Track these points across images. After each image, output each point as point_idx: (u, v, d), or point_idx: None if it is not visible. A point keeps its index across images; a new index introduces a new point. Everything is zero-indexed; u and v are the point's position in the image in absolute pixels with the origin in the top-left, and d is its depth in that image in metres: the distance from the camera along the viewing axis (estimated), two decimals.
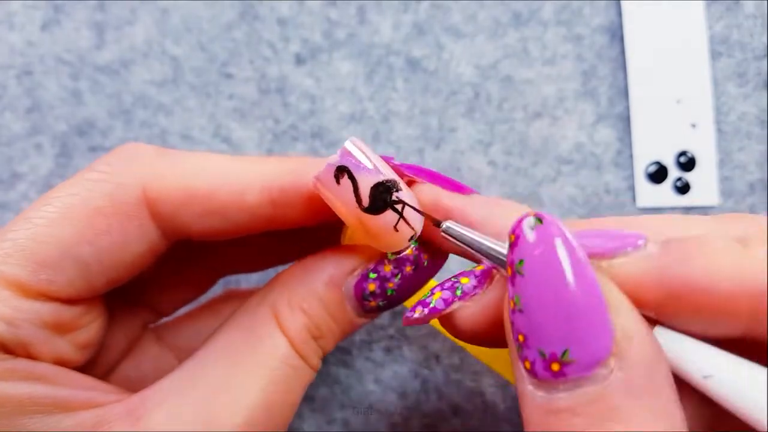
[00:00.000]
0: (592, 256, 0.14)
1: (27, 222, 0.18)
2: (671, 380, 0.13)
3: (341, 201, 0.18)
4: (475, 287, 0.17)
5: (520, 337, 0.14)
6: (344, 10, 0.28)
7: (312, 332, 0.19)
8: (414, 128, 0.28)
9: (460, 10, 0.28)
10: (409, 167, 0.19)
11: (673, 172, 0.28)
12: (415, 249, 0.20)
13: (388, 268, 0.19)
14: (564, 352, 0.13)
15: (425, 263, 0.20)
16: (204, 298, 0.26)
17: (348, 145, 0.18)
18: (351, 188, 0.17)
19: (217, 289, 0.26)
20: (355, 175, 0.17)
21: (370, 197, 0.17)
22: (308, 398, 0.28)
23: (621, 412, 0.13)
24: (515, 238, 0.14)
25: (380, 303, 0.20)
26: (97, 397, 0.18)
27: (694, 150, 0.28)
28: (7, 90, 0.29)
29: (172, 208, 0.19)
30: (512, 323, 0.14)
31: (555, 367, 0.13)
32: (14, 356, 0.17)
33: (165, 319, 0.25)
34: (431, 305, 0.18)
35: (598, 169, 0.28)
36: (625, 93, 0.28)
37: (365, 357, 0.28)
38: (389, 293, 0.20)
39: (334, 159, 0.17)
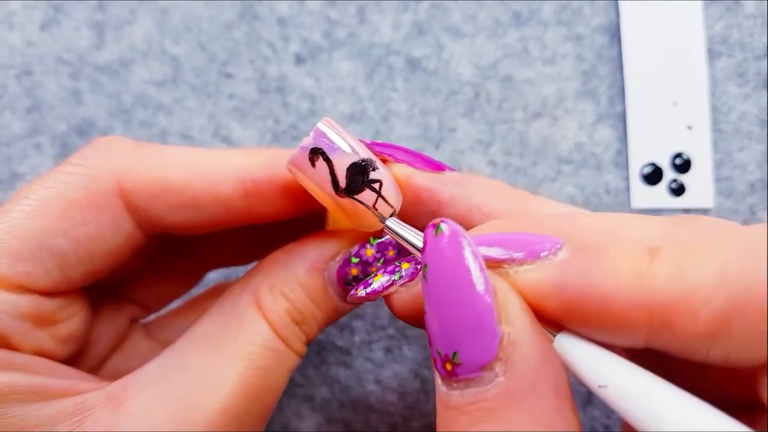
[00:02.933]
0: (500, 262, 0.15)
1: (4, 216, 0.18)
2: (561, 386, 0.14)
3: (317, 184, 0.18)
4: (411, 274, 0.18)
5: (428, 336, 0.15)
6: (344, 9, 0.28)
7: (294, 317, 0.19)
8: (414, 128, 0.28)
9: (460, 9, 0.28)
10: (382, 145, 0.20)
11: (669, 174, 0.28)
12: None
13: (370, 253, 0.20)
14: (454, 354, 0.14)
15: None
16: (194, 293, 0.26)
17: (321, 125, 0.18)
18: (327, 170, 0.17)
19: (206, 284, 0.26)
20: (330, 156, 0.17)
21: (346, 178, 0.18)
22: (308, 398, 0.28)
23: (499, 415, 0.13)
24: (424, 244, 0.15)
25: (364, 291, 0.20)
26: (78, 384, 0.18)
27: (689, 152, 0.28)
28: (7, 90, 0.29)
29: (146, 200, 0.19)
30: (425, 323, 0.15)
31: (448, 366, 0.14)
32: None
33: (153, 315, 0.25)
34: (371, 287, 0.18)
35: (598, 169, 0.28)
36: (624, 93, 0.28)
37: (365, 357, 0.28)
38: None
39: (308, 141, 0.17)
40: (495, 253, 0.15)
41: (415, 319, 0.18)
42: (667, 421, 0.12)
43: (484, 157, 0.28)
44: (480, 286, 0.14)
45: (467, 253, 0.14)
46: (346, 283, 0.20)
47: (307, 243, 0.20)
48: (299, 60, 0.28)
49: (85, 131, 0.29)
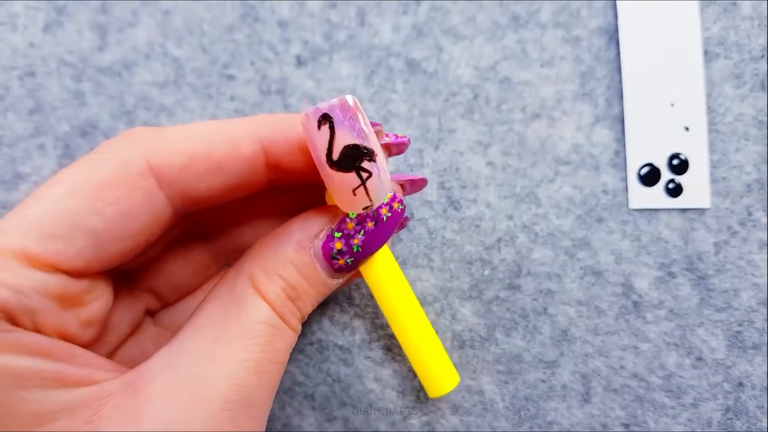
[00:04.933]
0: None
1: (37, 200, 0.18)
2: None
3: (315, 146, 0.18)
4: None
5: None
6: (344, 11, 0.29)
7: (289, 294, 0.20)
8: (413, 129, 0.28)
9: (459, 12, 0.28)
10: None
11: (666, 175, 0.28)
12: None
13: (350, 226, 0.21)
14: None
15: (384, 219, 0.21)
16: None
17: (346, 98, 0.18)
18: (327, 138, 0.18)
19: None
20: (336, 128, 0.18)
21: (341, 153, 0.18)
22: (308, 396, 0.29)
23: None
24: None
25: (348, 260, 0.21)
26: (96, 373, 0.18)
27: (686, 153, 0.28)
28: (10, 91, 0.29)
29: (176, 173, 0.20)
30: None
31: None
32: (20, 329, 0.17)
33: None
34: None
35: (596, 169, 0.28)
36: (622, 94, 0.28)
37: (365, 356, 0.29)
38: (355, 249, 0.21)
39: (325, 106, 0.18)
40: None
41: None
42: None
43: (483, 158, 0.28)
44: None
45: None
46: (331, 257, 0.21)
47: (292, 224, 0.21)
48: (300, 62, 0.29)
49: (87, 132, 0.29)
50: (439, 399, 0.28)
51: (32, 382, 0.17)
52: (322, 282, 0.21)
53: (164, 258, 0.24)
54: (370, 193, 0.19)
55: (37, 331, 0.18)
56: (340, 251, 0.21)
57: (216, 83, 0.29)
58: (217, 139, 0.20)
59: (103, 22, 0.29)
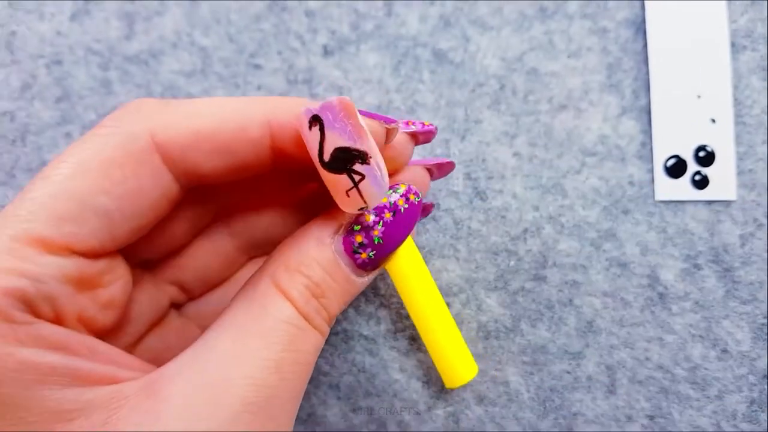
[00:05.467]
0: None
1: (44, 181, 0.18)
2: None
3: (308, 145, 0.18)
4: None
5: None
6: (372, 2, 0.29)
7: (313, 291, 0.20)
8: (440, 120, 0.28)
9: (486, 2, 0.28)
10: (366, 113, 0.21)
11: (692, 167, 0.28)
12: (389, 196, 0.21)
13: (369, 218, 0.20)
14: None
15: (402, 210, 0.21)
16: None
17: (332, 99, 0.18)
18: (318, 140, 0.18)
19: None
20: (326, 130, 0.18)
21: (331, 155, 0.18)
22: (333, 386, 0.29)
23: None
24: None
25: (370, 254, 0.21)
26: (117, 372, 0.18)
27: (713, 145, 0.28)
28: (37, 79, 0.29)
29: (181, 150, 0.19)
30: None
31: None
32: (41, 320, 0.17)
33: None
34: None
35: (623, 161, 0.28)
36: (649, 86, 0.28)
37: (390, 346, 0.29)
38: (377, 241, 0.20)
39: (315, 107, 0.18)
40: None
41: None
42: None
43: (510, 149, 0.28)
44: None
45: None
46: (353, 251, 0.20)
47: (312, 224, 0.21)
48: (327, 52, 0.29)
49: None
50: (464, 389, 0.28)
51: (52, 379, 0.16)
52: (346, 278, 0.21)
53: (189, 250, 0.24)
54: (363, 196, 0.19)
55: (57, 317, 0.18)
56: (361, 244, 0.20)
57: (243, 72, 0.29)
58: (225, 118, 0.19)
59: (131, 11, 0.29)
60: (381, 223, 0.21)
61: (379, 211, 0.21)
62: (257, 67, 0.29)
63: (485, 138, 0.28)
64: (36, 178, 0.18)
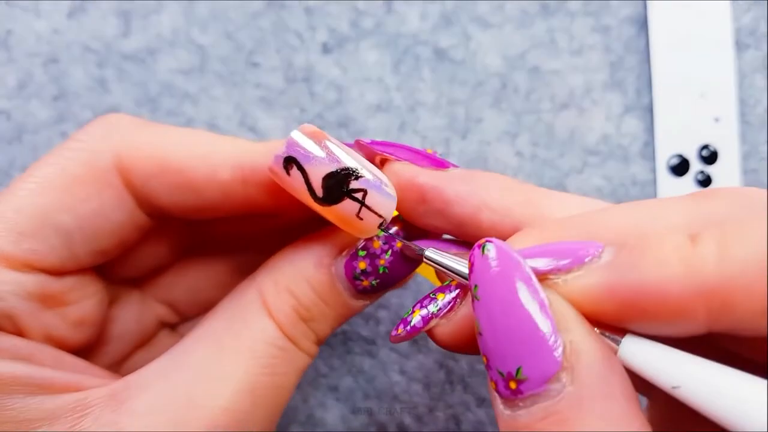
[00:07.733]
0: (546, 273, 0.14)
1: (10, 195, 0.18)
2: (627, 389, 0.14)
3: (295, 191, 0.17)
4: (449, 303, 0.17)
5: (484, 359, 0.14)
6: None
7: (301, 314, 0.19)
8: (441, 118, 0.28)
9: (487, 0, 0.28)
10: (383, 144, 0.19)
11: (695, 166, 0.28)
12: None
13: (377, 244, 0.19)
14: (517, 371, 0.13)
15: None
16: None
17: (294, 134, 0.17)
18: (302, 179, 0.17)
19: None
20: (304, 166, 0.17)
21: (323, 188, 0.17)
22: (333, 388, 0.28)
23: (573, 425, 0.13)
24: (471, 265, 0.14)
25: (373, 282, 0.19)
26: (82, 380, 0.17)
27: (716, 144, 0.28)
28: (34, 78, 0.29)
29: (143, 178, 0.18)
30: (479, 346, 0.14)
31: (512, 385, 0.13)
32: (1, 332, 0.17)
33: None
34: (411, 324, 0.18)
35: (625, 160, 0.28)
36: (652, 84, 0.28)
37: (390, 347, 0.28)
38: (381, 271, 0.19)
39: (281, 150, 0.17)
40: (540, 264, 0.14)
41: (461, 346, 0.17)
42: (750, 416, 0.12)
43: (511, 148, 0.28)
44: (536, 300, 0.14)
45: (519, 269, 0.14)
46: (354, 277, 0.19)
47: (315, 239, 0.19)
48: (326, 49, 0.28)
49: None
50: (465, 390, 0.28)
51: (12, 387, 0.16)
52: (342, 303, 0.19)
53: (180, 270, 0.23)
54: (375, 209, 0.17)
55: (20, 334, 0.17)
56: (363, 271, 0.19)
57: (241, 71, 0.28)
58: (195, 156, 0.18)
59: (128, 9, 0.29)
60: (390, 251, 0.19)
61: (390, 238, 0.19)
62: (255, 65, 0.28)
63: (486, 137, 0.28)
64: (4, 192, 0.18)
